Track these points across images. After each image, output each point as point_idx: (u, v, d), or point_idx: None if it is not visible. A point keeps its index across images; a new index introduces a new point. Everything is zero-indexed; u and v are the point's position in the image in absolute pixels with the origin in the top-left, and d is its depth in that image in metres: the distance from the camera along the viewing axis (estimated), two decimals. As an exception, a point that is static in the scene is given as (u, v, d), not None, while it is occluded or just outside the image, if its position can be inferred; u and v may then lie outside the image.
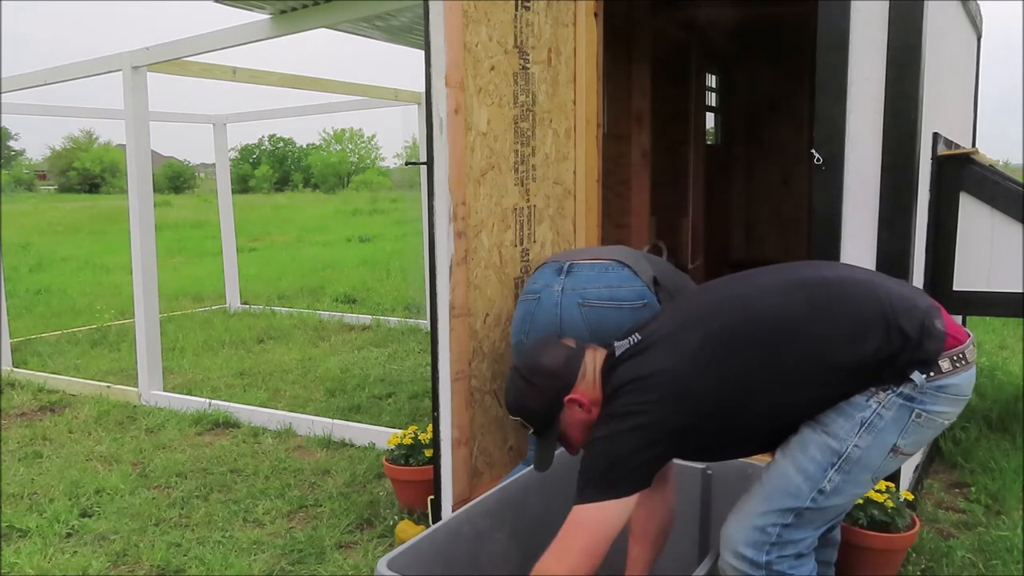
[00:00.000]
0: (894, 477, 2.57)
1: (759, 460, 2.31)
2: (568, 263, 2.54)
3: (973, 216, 2.95)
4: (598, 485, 1.64)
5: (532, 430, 1.88)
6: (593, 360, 1.85)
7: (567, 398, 1.81)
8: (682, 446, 1.70)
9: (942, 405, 1.63)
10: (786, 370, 1.65)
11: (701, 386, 1.66)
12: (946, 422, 1.67)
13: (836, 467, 1.65)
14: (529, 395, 1.85)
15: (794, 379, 1.65)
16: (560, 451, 1.96)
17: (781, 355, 1.65)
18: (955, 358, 1.62)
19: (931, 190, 2.86)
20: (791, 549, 1.70)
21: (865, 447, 1.64)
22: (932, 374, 1.61)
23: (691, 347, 1.69)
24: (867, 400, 1.63)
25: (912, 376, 1.60)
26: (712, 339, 1.69)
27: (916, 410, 1.62)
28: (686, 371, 1.67)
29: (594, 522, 1.64)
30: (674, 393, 1.66)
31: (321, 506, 3.20)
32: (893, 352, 1.61)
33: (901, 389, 1.62)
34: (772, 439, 1.77)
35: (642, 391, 1.68)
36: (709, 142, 6.32)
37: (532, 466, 2.20)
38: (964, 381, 1.64)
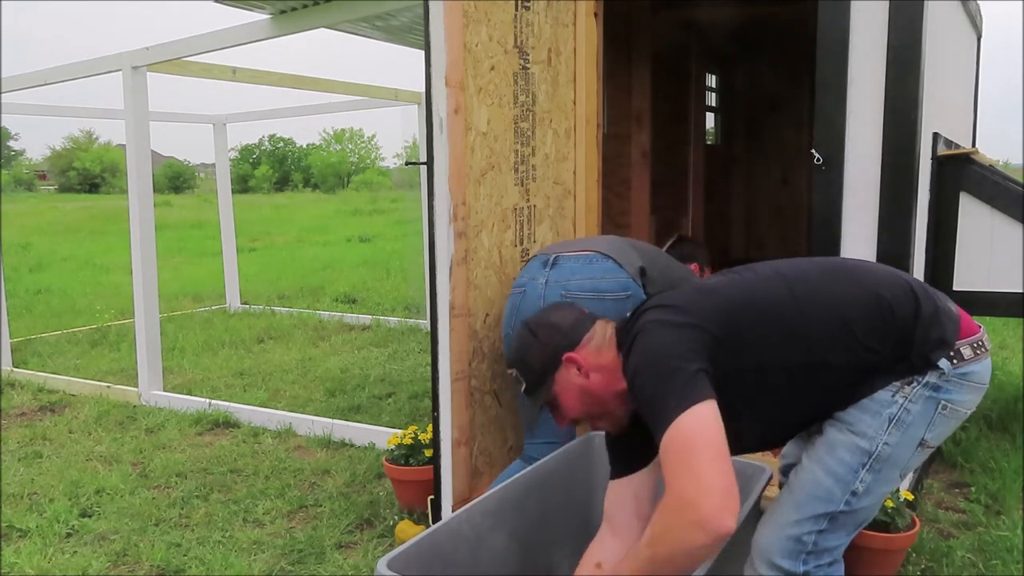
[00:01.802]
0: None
1: (759, 460, 2.31)
2: (554, 255, 2.56)
3: (973, 216, 2.95)
4: (675, 398, 1.44)
5: (524, 387, 1.81)
6: (603, 330, 1.77)
7: (566, 355, 1.73)
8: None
9: (965, 394, 1.61)
10: (813, 321, 1.59)
11: (725, 309, 1.60)
12: (967, 412, 1.65)
13: (867, 467, 1.61)
14: (531, 347, 1.79)
15: (822, 331, 1.58)
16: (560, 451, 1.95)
17: (806, 312, 1.60)
18: (975, 345, 1.60)
19: (931, 190, 2.86)
20: (827, 557, 1.66)
21: (895, 444, 1.60)
22: (956, 360, 1.58)
23: (713, 287, 1.68)
24: (892, 396, 1.59)
25: (940, 363, 1.57)
26: (736, 285, 1.67)
27: (942, 401, 1.59)
28: (712, 300, 1.63)
29: (698, 430, 1.40)
30: (704, 310, 1.59)
31: (321, 506, 3.20)
32: (922, 319, 1.58)
33: (926, 379, 1.58)
34: (793, 421, 1.71)
35: (672, 309, 1.60)
36: (709, 142, 6.33)
37: (531, 466, 2.20)
38: (984, 369, 1.63)
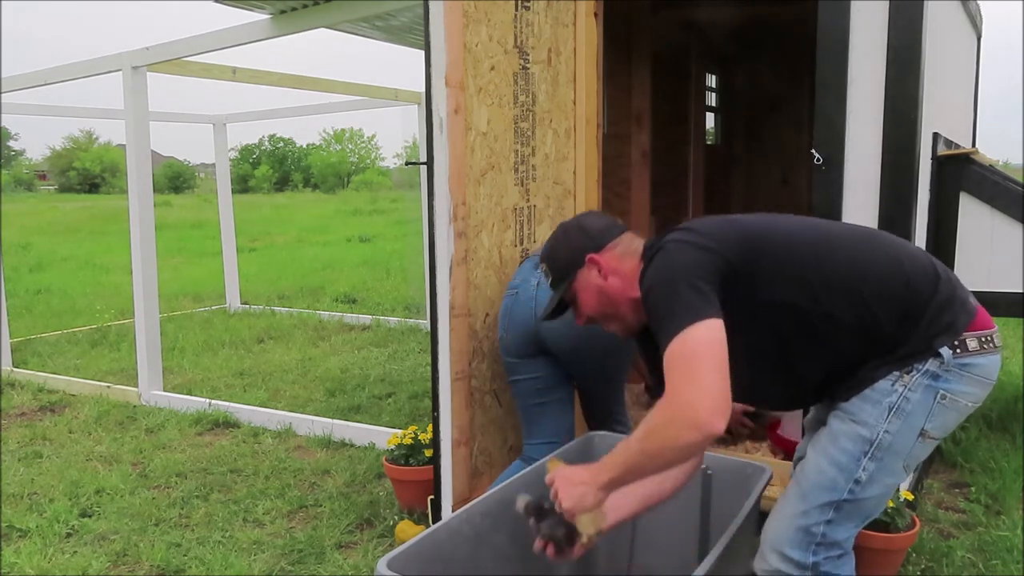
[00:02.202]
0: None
1: (760, 460, 2.31)
2: None
3: (973, 216, 2.95)
4: (683, 312, 1.51)
5: (550, 280, 1.95)
6: (630, 241, 1.88)
7: (589, 256, 1.83)
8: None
9: (966, 385, 1.61)
10: (828, 271, 1.62)
11: (746, 240, 1.66)
12: (971, 404, 1.64)
13: (869, 455, 1.63)
14: (560, 244, 1.92)
15: (835, 283, 1.62)
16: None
17: (822, 259, 1.64)
18: (983, 339, 1.61)
19: (931, 190, 2.86)
20: (836, 550, 1.67)
21: (895, 432, 1.62)
22: (959, 350, 1.59)
23: (740, 219, 1.74)
24: (892, 385, 1.61)
25: (941, 350, 1.58)
26: (763, 221, 1.73)
27: (941, 391, 1.60)
28: (737, 230, 1.69)
29: (702, 342, 1.47)
30: (727, 239, 1.64)
31: (321, 506, 3.20)
32: (936, 300, 1.60)
33: (926, 367, 1.60)
34: (790, 374, 1.72)
35: (695, 232, 1.66)
36: (709, 142, 6.32)
37: (530, 466, 2.20)
38: (990, 364, 1.62)
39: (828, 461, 1.66)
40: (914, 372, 1.60)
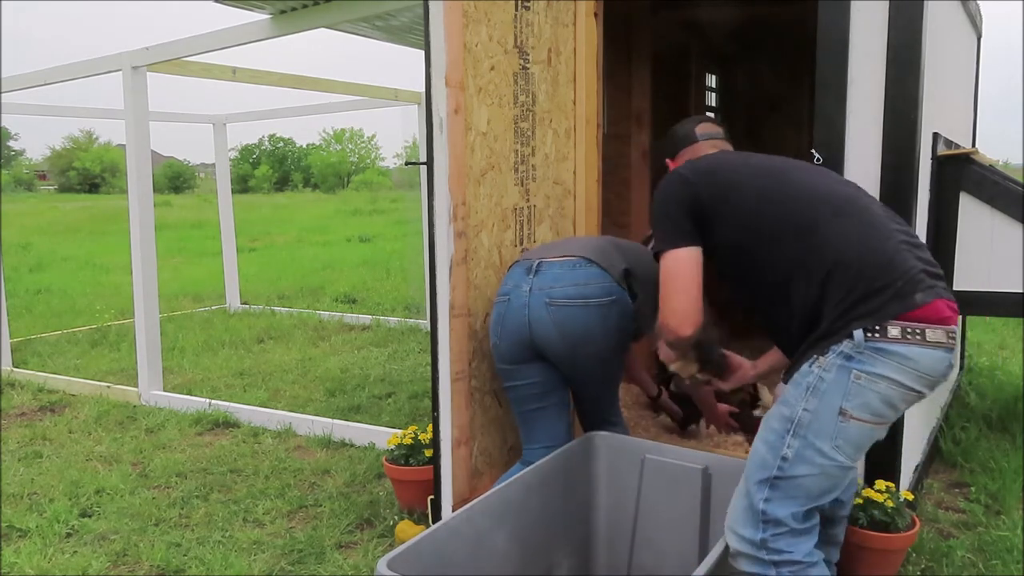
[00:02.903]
0: (894, 477, 2.57)
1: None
2: (537, 261, 2.52)
3: (973, 216, 2.95)
4: (661, 239, 1.97)
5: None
6: (694, 152, 2.27)
7: (667, 159, 2.34)
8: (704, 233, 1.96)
9: (885, 369, 1.68)
10: (780, 233, 1.87)
11: (725, 186, 1.97)
12: (898, 389, 1.70)
13: (791, 432, 1.75)
14: (659, 148, 2.51)
15: (785, 243, 1.85)
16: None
17: (781, 218, 1.88)
18: (909, 330, 1.68)
19: (931, 190, 2.86)
20: (781, 527, 1.75)
21: (813, 410, 1.73)
22: (874, 335, 1.68)
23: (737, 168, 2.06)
24: (810, 366, 1.75)
25: (854, 332, 1.69)
26: (749, 177, 2.00)
27: (855, 371, 1.70)
28: (722, 175, 2.01)
29: (668, 268, 1.94)
30: (713, 183, 1.98)
31: (321, 506, 3.20)
32: (874, 286, 1.71)
33: (840, 348, 1.71)
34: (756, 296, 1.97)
35: (693, 169, 2.04)
36: (709, 142, 6.31)
37: (530, 466, 2.20)
38: (920, 356, 1.68)
39: (761, 442, 1.82)
40: (829, 353, 1.72)
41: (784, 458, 1.75)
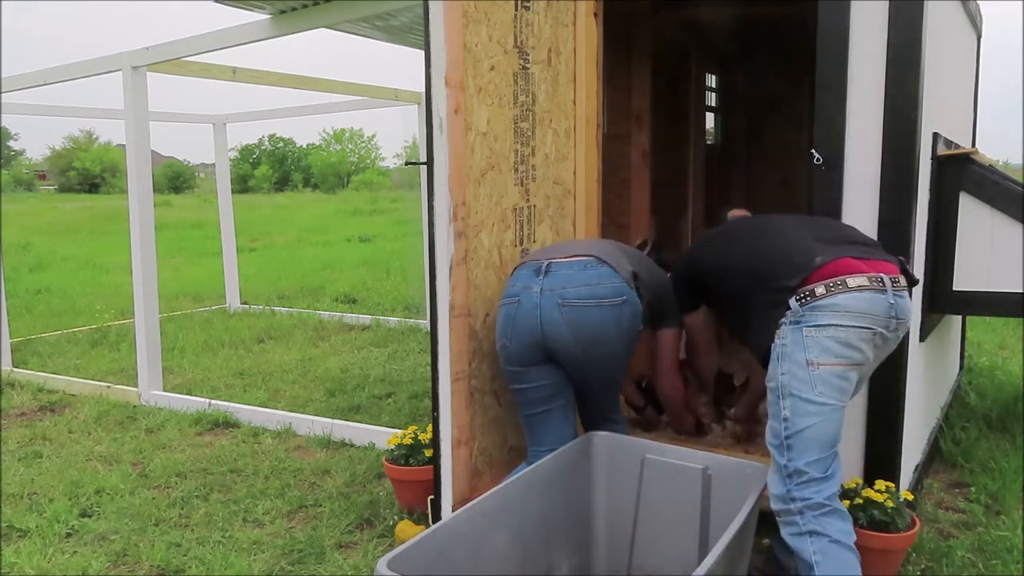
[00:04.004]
0: (894, 477, 2.57)
1: (759, 461, 2.31)
2: (547, 262, 2.51)
3: (973, 216, 2.95)
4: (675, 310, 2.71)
5: None
6: None
7: None
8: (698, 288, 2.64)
9: (823, 319, 2.07)
10: (731, 268, 2.44)
11: (697, 264, 2.66)
12: (847, 328, 2.06)
13: (781, 396, 2.11)
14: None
15: (735, 274, 2.42)
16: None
17: (729, 261, 2.48)
18: (831, 284, 2.08)
19: (931, 190, 2.86)
20: (803, 476, 2.06)
21: (787, 371, 2.10)
22: (806, 299, 2.09)
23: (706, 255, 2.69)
24: (774, 343, 2.16)
25: (790, 302, 2.11)
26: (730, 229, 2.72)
27: (804, 327, 2.09)
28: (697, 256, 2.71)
29: (664, 342, 2.75)
30: (696, 263, 2.67)
31: (321, 506, 3.20)
32: (785, 273, 2.17)
33: (787, 320, 2.13)
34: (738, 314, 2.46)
35: (684, 258, 2.78)
36: (709, 142, 6.32)
37: (531, 466, 2.21)
38: (844, 300, 2.06)
39: (770, 417, 2.16)
40: (782, 326, 2.14)
41: (785, 419, 2.09)
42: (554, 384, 2.54)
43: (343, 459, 3.72)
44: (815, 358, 2.06)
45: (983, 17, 4.47)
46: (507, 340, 2.51)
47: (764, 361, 2.26)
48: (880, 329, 2.08)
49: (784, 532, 2.11)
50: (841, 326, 2.05)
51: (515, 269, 2.65)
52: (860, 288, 2.07)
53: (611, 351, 2.45)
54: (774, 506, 2.12)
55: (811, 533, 2.04)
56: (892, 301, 2.09)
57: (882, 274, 2.10)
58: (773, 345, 2.15)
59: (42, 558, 2.81)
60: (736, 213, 2.93)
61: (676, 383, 2.91)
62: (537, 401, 2.56)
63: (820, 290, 2.07)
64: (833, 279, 2.08)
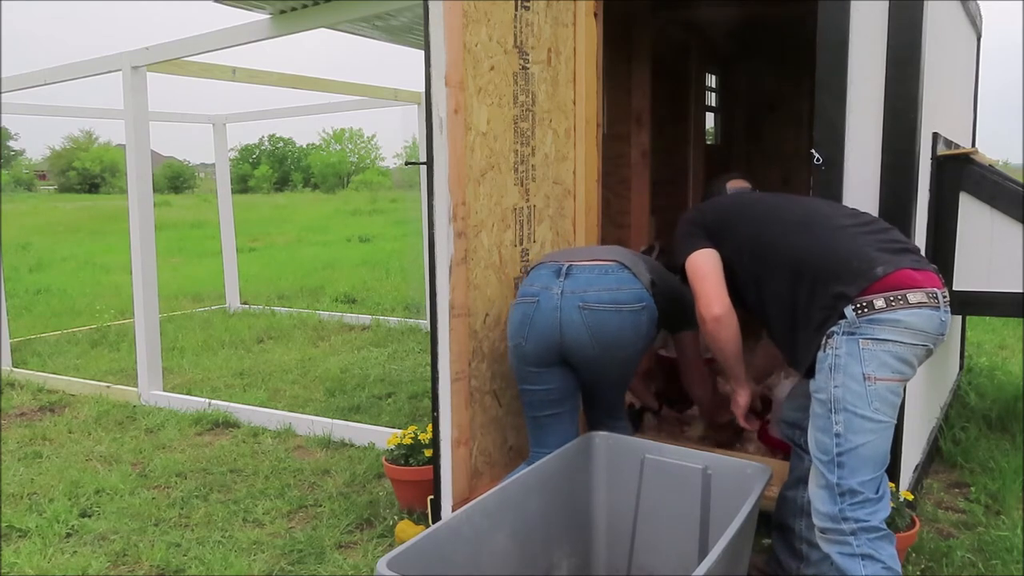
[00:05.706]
0: (894, 477, 2.57)
1: (761, 461, 2.31)
2: (567, 264, 2.51)
3: (973, 216, 2.95)
4: (680, 252, 2.43)
5: None
6: None
7: None
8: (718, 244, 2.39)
9: (882, 333, 1.95)
10: (764, 246, 2.26)
11: (723, 222, 2.42)
12: (906, 345, 1.96)
13: (834, 410, 1.99)
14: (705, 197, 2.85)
15: (769, 258, 2.23)
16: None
17: (765, 240, 2.28)
18: (891, 298, 1.96)
19: (931, 190, 2.86)
20: (857, 496, 1.96)
21: (841, 383, 1.98)
22: (865, 310, 1.96)
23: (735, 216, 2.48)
24: (824, 352, 2.02)
25: (846, 311, 1.98)
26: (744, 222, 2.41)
27: (861, 339, 1.97)
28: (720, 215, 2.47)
29: (691, 266, 2.38)
30: (715, 220, 2.44)
31: (321, 506, 3.20)
32: (838, 277, 2.03)
33: (840, 329, 1.99)
34: (755, 296, 2.28)
35: (699, 210, 2.56)
36: (709, 142, 6.32)
37: (531, 466, 2.20)
38: (905, 317, 1.95)
39: (815, 430, 2.05)
40: (834, 336, 2.00)
41: (837, 435, 1.98)
42: (564, 388, 2.54)
43: (343, 459, 3.72)
44: (873, 372, 1.96)
45: (983, 17, 4.47)
46: (523, 340, 2.50)
47: (797, 365, 2.18)
48: (931, 345, 2.02)
49: (831, 549, 2.02)
50: (901, 343, 1.96)
51: (531, 269, 2.65)
52: (920, 305, 1.97)
53: (626, 355, 2.47)
54: (820, 523, 2.02)
55: (864, 556, 1.97)
56: (944, 318, 2.01)
57: (935, 288, 2.02)
58: (822, 355, 2.03)
59: (42, 558, 2.81)
60: (735, 184, 2.82)
61: (705, 382, 2.91)
62: (546, 404, 2.55)
63: (879, 303, 1.96)
64: (894, 292, 1.97)
